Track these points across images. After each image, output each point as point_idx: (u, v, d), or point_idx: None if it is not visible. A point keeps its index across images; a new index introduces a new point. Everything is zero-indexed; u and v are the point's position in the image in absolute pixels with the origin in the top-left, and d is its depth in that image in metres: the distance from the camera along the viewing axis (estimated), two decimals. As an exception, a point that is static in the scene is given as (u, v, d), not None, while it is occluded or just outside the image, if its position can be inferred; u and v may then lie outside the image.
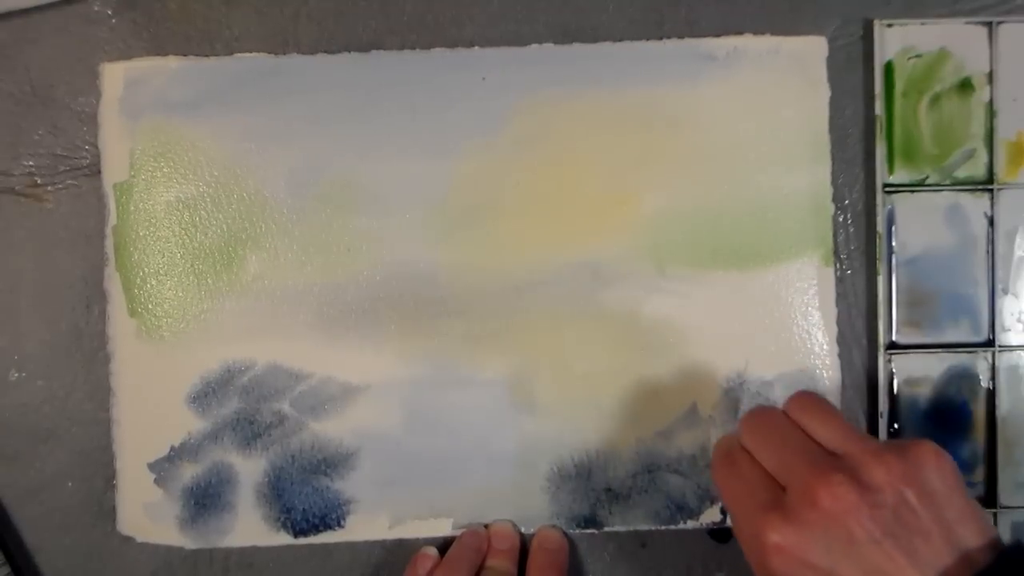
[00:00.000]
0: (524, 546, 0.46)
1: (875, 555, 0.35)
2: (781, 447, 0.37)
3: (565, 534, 0.47)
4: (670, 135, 0.46)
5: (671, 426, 0.46)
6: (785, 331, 0.46)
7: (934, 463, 0.36)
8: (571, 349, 0.46)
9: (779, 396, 0.46)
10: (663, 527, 0.46)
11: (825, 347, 0.46)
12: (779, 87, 0.46)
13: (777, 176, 0.46)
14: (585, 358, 0.46)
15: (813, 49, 0.46)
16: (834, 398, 0.46)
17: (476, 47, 0.46)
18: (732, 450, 0.39)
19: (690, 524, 0.46)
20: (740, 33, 0.46)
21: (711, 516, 0.46)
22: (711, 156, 0.46)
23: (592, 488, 0.46)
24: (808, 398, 0.39)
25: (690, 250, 0.46)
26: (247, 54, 0.46)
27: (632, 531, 0.47)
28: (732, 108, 0.46)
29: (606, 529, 0.46)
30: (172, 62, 0.45)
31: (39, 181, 0.46)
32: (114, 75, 0.45)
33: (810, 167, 0.46)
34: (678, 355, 0.46)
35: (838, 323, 0.46)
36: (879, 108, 0.46)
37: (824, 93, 0.46)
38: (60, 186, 0.46)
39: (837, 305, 0.46)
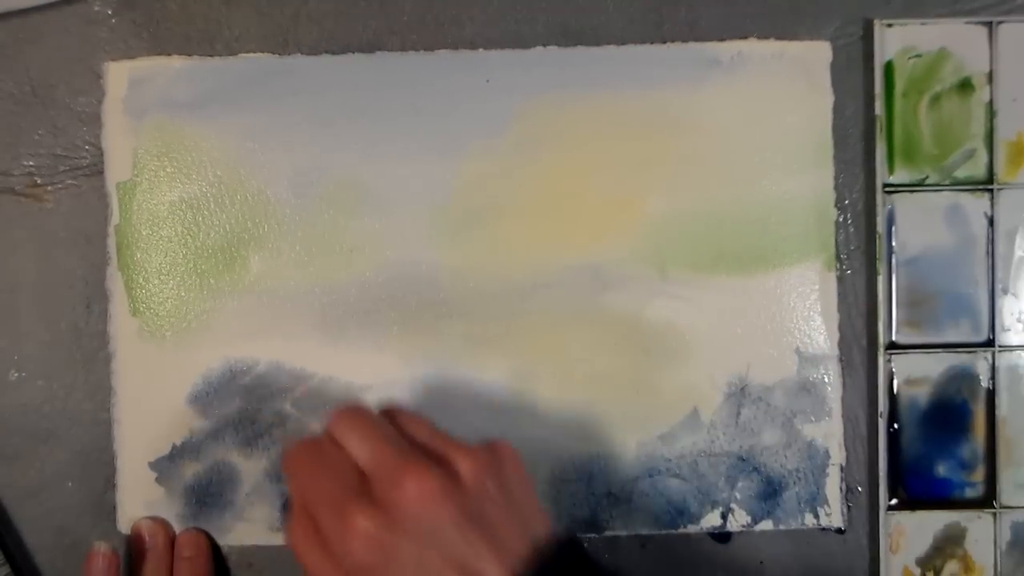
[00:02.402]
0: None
1: (458, 540, 0.35)
2: (372, 438, 0.37)
3: (207, 536, 0.46)
4: (674, 139, 0.46)
5: (672, 430, 0.46)
6: (787, 336, 0.46)
7: (512, 462, 0.38)
8: (572, 352, 0.46)
9: (780, 401, 0.46)
10: (664, 531, 0.46)
11: (827, 352, 0.46)
12: (783, 92, 0.46)
13: (780, 181, 0.46)
14: (586, 361, 0.46)
15: (817, 54, 0.46)
16: (835, 401, 0.46)
17: (480, 49, 0.46)
18: (317, 441, 0.38)
19: (691, 528, 0.46)
20: (742, 35, 0.46)
21: (712, 521, 0.46)
22: (714, 160, 0.46)
23: (593, 492, 0.46)
24: (396, 405, 0.40)
25: (692, 254, 0.46)
26: (251, 54, 0.46)
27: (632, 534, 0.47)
28: (736, 112, 0.46)
29: (606, 533, 0.46)
30: (176, 62, 0.45)
31: (39, 181, 0.46)
32: (118, 74, 0.45)
33: (813, 172, 0.46)
34: (680, 359, 0.46)
35: (838, 324, 0.46)
36: (879, 108, 0.46)
37: (828, 98, 0.46)
38: (60, 186, 0.46)
39: (838, 308, 0.46)
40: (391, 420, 0.39)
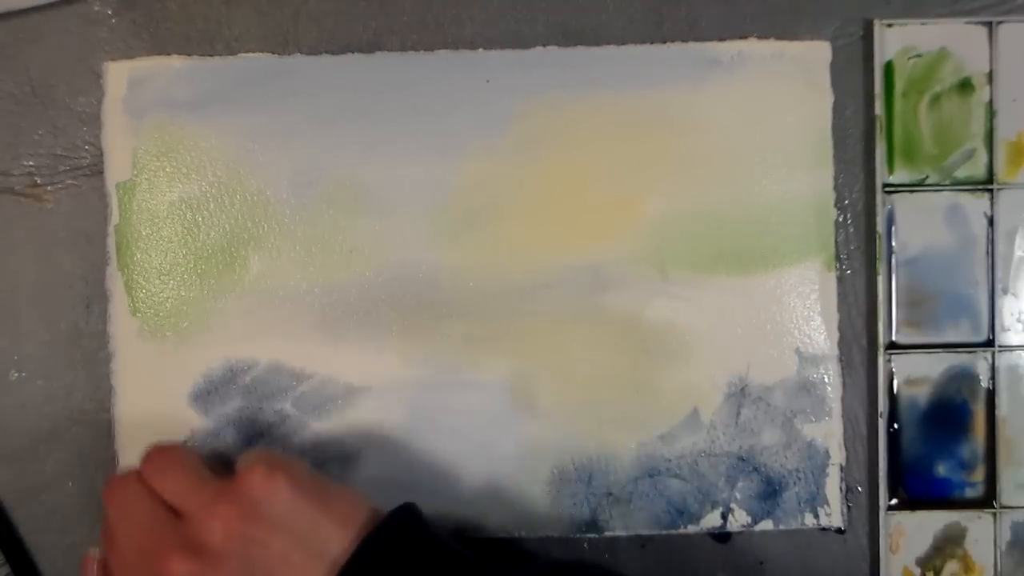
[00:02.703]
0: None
1: (283, 540, 0.36)
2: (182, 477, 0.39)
3: None
4: (674, 139, 0.46)
5: (672, 430, 0.46)
6: (787, 336, 0.46)
7: (264, 488, 0.37)
8: (573, 352, 0.46)
9: (780, 401, 0.46)
10: (664, 532, 0.46)
11: (826, 352, 0.46)
12: (783, 92, 0.46)
13: (780, 181, 0.46)
14: (587, 361, 0.46)
15: (817, 54, 0.46)
16: (835, 401, 0.46)
17: (480, 49, 0.46)
18: (131, 478, 0.39)
19: (691, 529, 0.46)
20: (742, 35, 0.46)
21: (712, 521, 0.46)
22: (714, 160, 0.46)
23: (593, 492, 0.46)
24: (160, 453, 0.40)
25: (693, 254, 0.46)
26: (251, 54, 0.46)
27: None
28: (736, 112, 0.46)
29: (606, 534, 0.46)
30: (176, 61, 0.45)
31: (39, 181, 0.46)
32: (118, 74, 0.45)
33: (813, 172, 0.46)
34: (680, 359, 0.46)
35: (838, 324, 0.46)
36: (879, 108, 0.46)
37: (827, 98, 0.46)
38: (60, 186, 0.46)
39: (837, 308, 0.46)
40: (151, 475, 0.39)
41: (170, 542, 0.37)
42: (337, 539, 0.37)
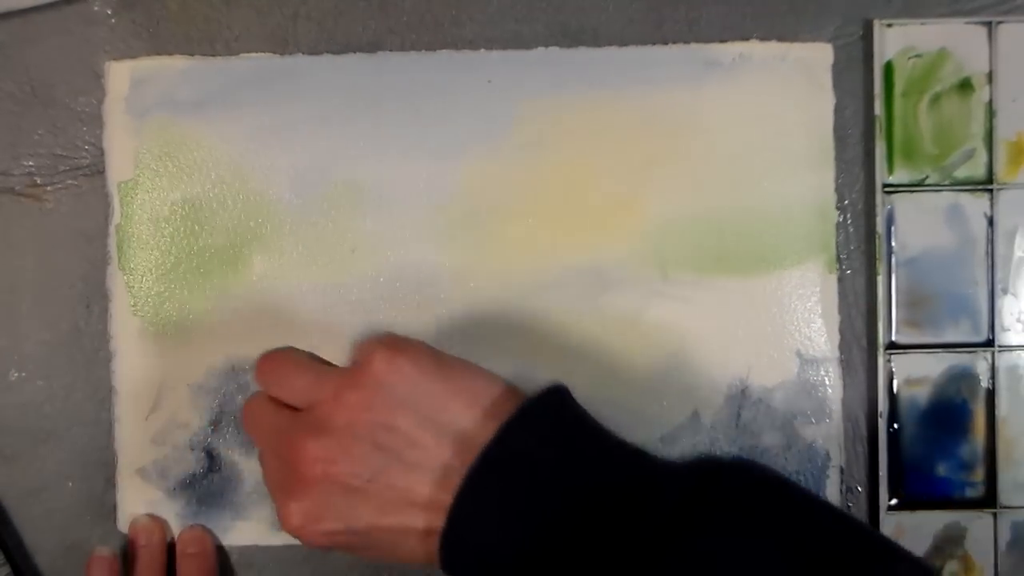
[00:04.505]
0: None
1: (377, 494, 0.35)
2: (291, 379, 0.39)
3: (212, 534, 0.46)
4: (675, 140, 0.46)
5: (673, 432, 0.46)
6: (788, 338, 0.46)
7: (385, 372, 0.37)
8: (573, 353, 0.46)
9: (780, 403, 0.46)
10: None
11: (827, 354, 0.46)
12: (784, 94, 0.46)
13: (781, 183, 0.46)
14: (587, 362, 0.46)
15: (819, 56, 0.46)
16: (835, 403, 0.46)
17: (482, 50, 0.46)
18: (255, 399, 0.41)
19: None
20: (742, 34, 0.46)
21: (712, 519, 0.46)
22: (716, 161, 0.46)
23: (593, 491, 0.46)
24: (268, 361, 0.41)
25: (694, 255, 0.46)
26: (254, 54, 0.46)
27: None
28: (737, 114, 0.46)
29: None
30: (178, 61, 0.45)
31: (39, 181, 0.46)
32: (120, 74, 0.45)
33: (814, 175, 0.46)
34: (680, 361, 0.46)
35: (838, 325, 0.46)
36: (879, 108, 0.46)
37: (829, 100, 0.46)
38: (60, 186, 0.46)
39: (838, 308, 0.46)
40: (267, 377, 0.40)
41: (301, 431, 0.37)
42: (468, 419, 0.36)
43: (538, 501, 0.34)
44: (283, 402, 0.39)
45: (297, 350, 0.42)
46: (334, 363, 0.43)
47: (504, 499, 0.34)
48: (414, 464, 0.35)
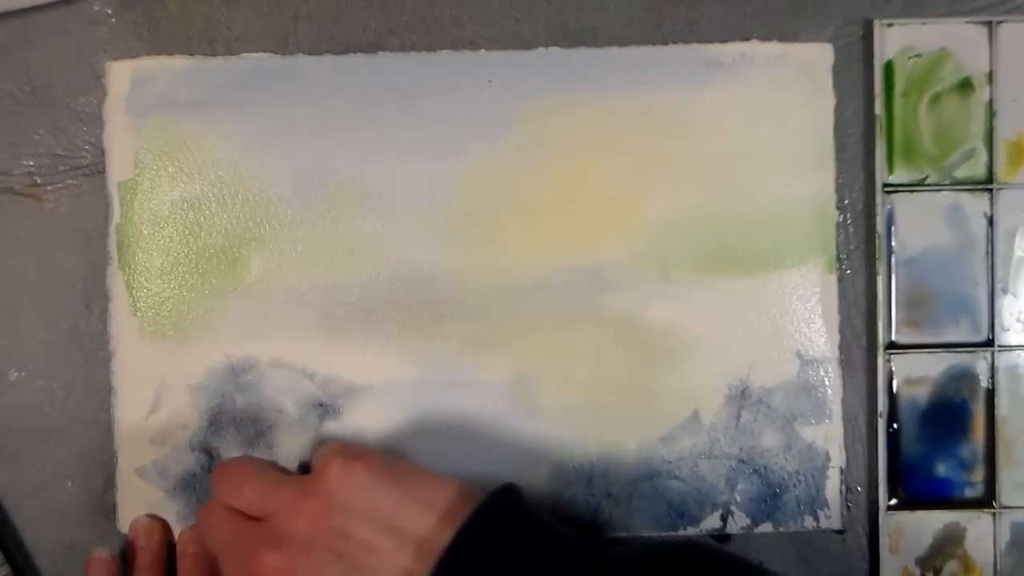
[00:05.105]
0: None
1: (368, 526, 0.36)
2: (252, 488, 0.40)
3: None
4: (675, 140, 0.46)
5: (673, 432, 0.46)
6: (788, 338, 0.46)
7: (342, 480, 0.37)
8: (573, 353, 0.46)
9: (780, 403, 0.46)
10: (664, 533, 0.46)
11: (827, 354, 0.46)
12: (785, 94, 0.46)
13: (782, 183, 0.46)
14: (587, 362, 0.46)
15: (819, 56, 0.46)
16: (835, 403, 0.46)
17: (482, 50, 0.46)
18: (209, 506, 0.41)
19: (691, 530, 0.46)
20: (742, 34, 0.46)
21: (712, 523, 0.46)
22: (716, 162, 0.46)
23: (592, 493, 0.46)
24: (225, 471, 0.41)
25: (694, 255, 0.46)
26: (254, 54, 0.46)
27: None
28: (738, 114, 0.46)
29: (606, 535, 0.46)
30: (178, 61, 0.45)
31: (39, 181, 0.46)
32: (120, 74, 0.45)
33: (814, 175, 0.46)
34: (680, 361, 0.46)
35: (838, 325, 0.46)
36: (879, 108, 0.46)
37: (829, 101, 0.46)
38: (60, 186, 0.46)
39: (838, 310, 0.46)
40: (225, 486, 0.41)
41: (257, 542, 0.37)
42: (424, 523, 0.37)
43: None
44: (240, 511, 0.40)
45: (254, 458, 0.43)
46: (290, 469, 0.44)
47: None
48: (373, 570, 0.36)
